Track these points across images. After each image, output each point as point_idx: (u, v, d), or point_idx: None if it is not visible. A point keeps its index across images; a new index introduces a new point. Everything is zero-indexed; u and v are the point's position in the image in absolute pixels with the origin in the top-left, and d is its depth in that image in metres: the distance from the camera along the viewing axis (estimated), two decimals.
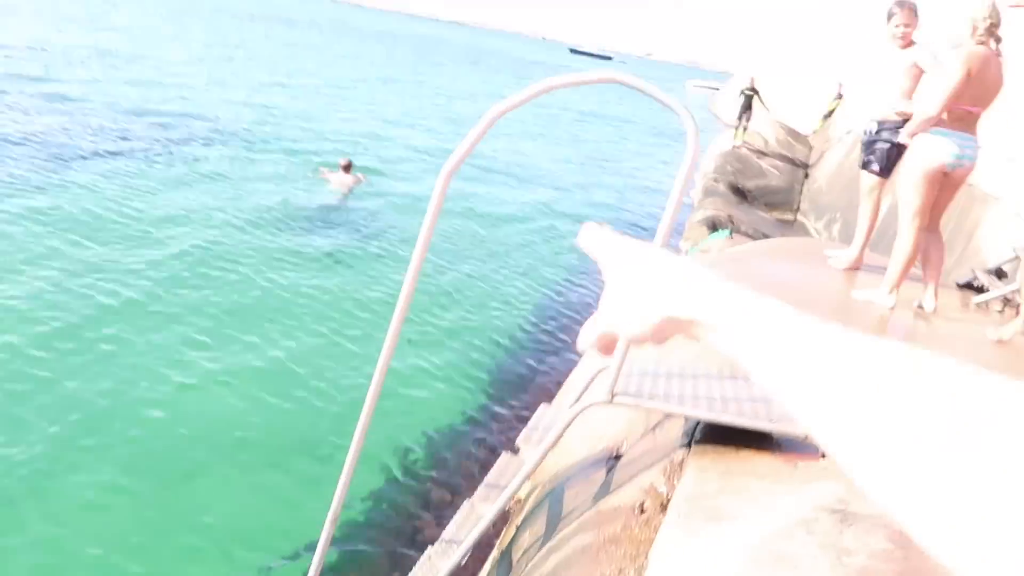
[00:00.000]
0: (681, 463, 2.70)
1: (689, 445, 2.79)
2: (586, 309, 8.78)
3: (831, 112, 20.37)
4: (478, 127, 2.17)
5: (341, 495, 2.70)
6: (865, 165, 5.48)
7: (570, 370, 5.89)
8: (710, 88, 78.67)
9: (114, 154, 11.82)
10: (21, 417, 4.90)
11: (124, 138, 12.96)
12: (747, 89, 18.64)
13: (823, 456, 2.50)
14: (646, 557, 2.26)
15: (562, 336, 7.84)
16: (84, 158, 11.20)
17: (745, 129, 18.31)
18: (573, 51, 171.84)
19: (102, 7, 45.39)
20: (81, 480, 4.44)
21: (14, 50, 20.74)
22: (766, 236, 11.48)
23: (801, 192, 16.94)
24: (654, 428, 3.36)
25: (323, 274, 8.30)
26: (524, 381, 6.70)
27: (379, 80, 32.19)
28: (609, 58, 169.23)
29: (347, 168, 12.18)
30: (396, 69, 40.23)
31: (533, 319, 8.21)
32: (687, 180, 2.25)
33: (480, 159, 16.30)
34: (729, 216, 12.85)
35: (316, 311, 7.29)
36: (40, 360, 5.53)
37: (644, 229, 13.52)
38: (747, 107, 18.36)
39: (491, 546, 3.58)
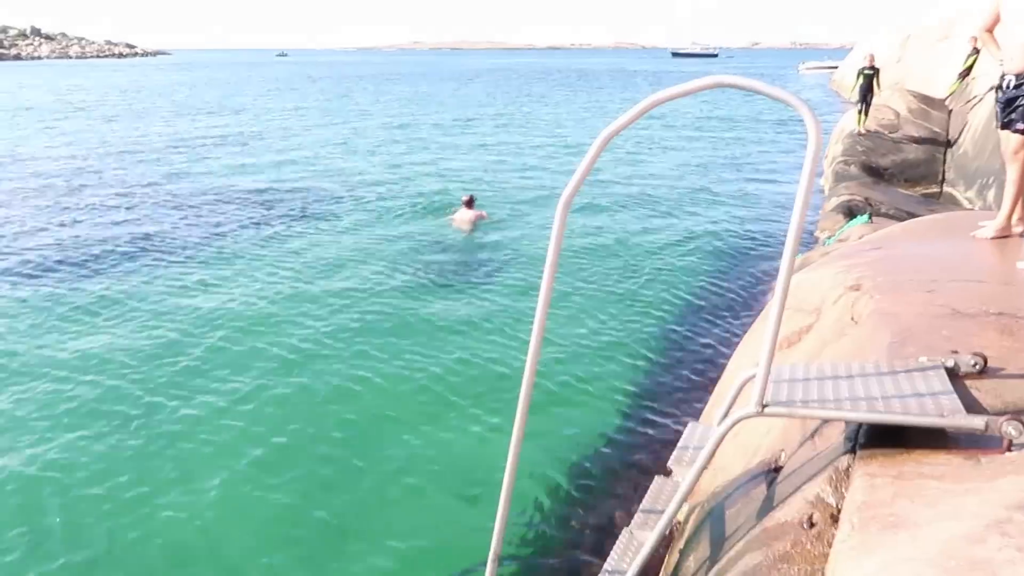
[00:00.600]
0: (847, 470, 2.55)
1: (854, 450, 2.64)
2: (724, 321, 8.53)
3: (968, 69, 18.90)
4: (589, 154, 2.19)
5: (500, 532, 2.75)
6: (1007, 125, 5.01)
7: (715, 383, 5.73)
8: (826, 68, 75.24)
9: (259, 225, 12.91)
10: (226, 437, 5.75)
11: (267, 209, 14.17)
12: (866, 69, 17.14)
13: (1009, 448, 2.29)
14: (823, 574, 2.15)
15: (703, 350, 7.64)
16: (235, 234, 12.30)
17: (867, 114, 17.04)
18: (675, 54, 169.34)
19: (225, 93, 49.39)
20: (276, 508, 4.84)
21: (159, 146, 22.93)
22: (911, 215, 10.77)
23: (944, 161, 15.77)
24: (813, 435, 3.21)
25: (460, 310, 8.66)
26: (669, 399, 6.57)
27: (488, 117, 33.01)
28: (714, 55, 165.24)
29: (469, 204, 12.79)
30: (502, 104, 41.13)
31: (671, 335, 8.06)
32: (812, 174, 2.16)
33: (599, 180, 16.37)
34: (866, 199, 12.16)
35: (454, 345, 7.61)
36: (248, 396, 6.51)
37: (777, 224, 13.00)
38: (868, 88, 16.97)
39: (655, 574, 3.52)
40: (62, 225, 12.88)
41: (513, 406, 2.55)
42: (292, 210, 14.13)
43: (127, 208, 14.32)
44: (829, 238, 10.55)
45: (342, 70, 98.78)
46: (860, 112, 16.91)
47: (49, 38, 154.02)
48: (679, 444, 3.19)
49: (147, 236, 12.16)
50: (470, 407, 6.35)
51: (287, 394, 6.57)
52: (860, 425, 2.69)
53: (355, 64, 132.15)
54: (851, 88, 18.47)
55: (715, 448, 2.61)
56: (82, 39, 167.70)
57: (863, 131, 16.65)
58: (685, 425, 3.52)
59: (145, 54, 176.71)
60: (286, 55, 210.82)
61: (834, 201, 12.42)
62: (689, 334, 8.04)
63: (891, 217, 10.96)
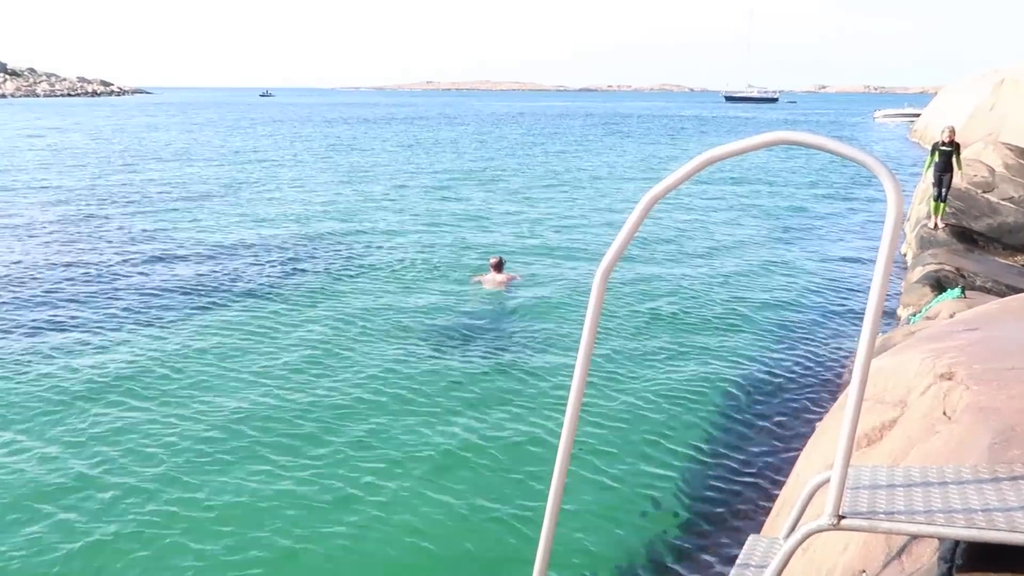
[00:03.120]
0: None
1: (950, 573, 2.59)
2: (790, 413, 8.43)
3: None
4: (631, 218, 2.22)
5: None
6: None
7: (779, 487, 5.64)
8: (905, 116, 76.03)
9: (274, 282, 13.49)
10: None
11: (282, 265, 14.83)
12: (943, 144, 15.29)
13: None
14: None
15: (765, 447, 7.54)
16: (247, 292, 12.86)
17: (945, 200, 15.24)
18: (729, 98, 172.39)
19: (219, 135, 50.80)
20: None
21: (157, 193, 23.74)
22: (1012, 289, 10.71)
23: None
24: (900, 553, 3.14)
25: (486, 383, 8.98)
26: (726, 505, 6.48)
27: (516, 168, 33.65)
28: (774, 99, 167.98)
29: (498, 267, 13.27)
30: (531, 152, 41.89)
31: (728, 428, 7.99)
32: (893, 244, 2.18)
33: (643, 240, 16.53)
34: (957, 269, 12.11)
35: (480, 421, 7.91)
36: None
37: (852, 297, 12.95)
38: (945, 169, 15.08)
39: None
40: (53, 280, 13.29)
41: (543, 496, 2.54)
42: (309, 267, 14.66)
43: (130, 259, 14.92)
44: (914, 315, 10.48)
45: (344, 112, 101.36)
46: (935, 199, 15.27)
47: (15, 74, 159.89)
48: (739, 561, 3.13)
49: (158, 291, 12.69)
50: (499, 486, 6.62)
51: (315, 455, 7.13)
52: (957, 543, 2.64)
53: (357, 106, 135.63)
54: (924, 168, 16.76)
55: (782, 567, 2.57)
56: (52, 75, 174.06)
57: (941, 225, 15.25)
58: (744, 536, 3.47)
59: (122, 92, 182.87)
60: (271, 95, 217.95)
61: (919, 271, 12.38)
62: (749, 428, 7.96)
63: (987, 291, 10.89)
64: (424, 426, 7.79)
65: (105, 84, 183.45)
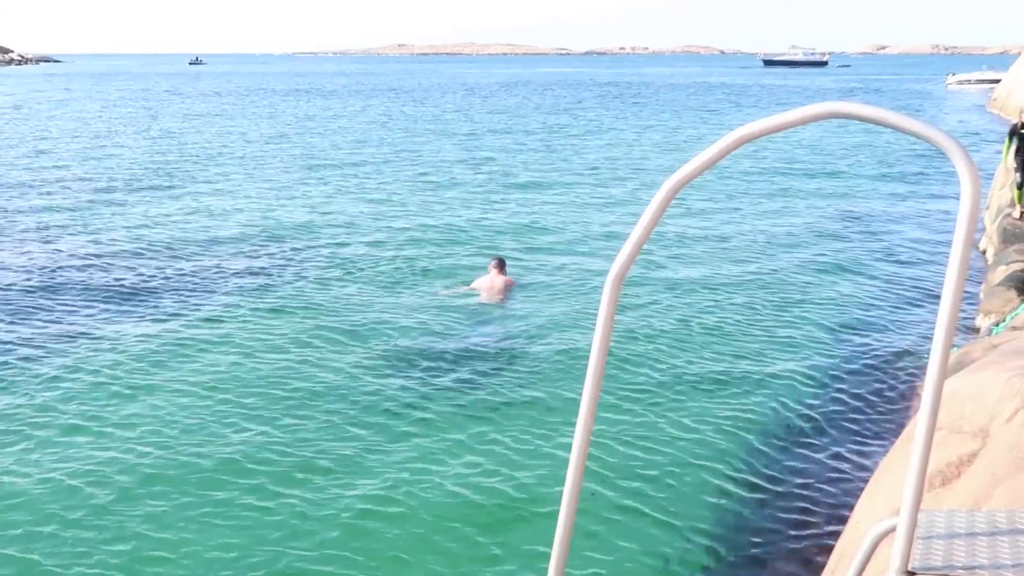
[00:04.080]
0: None
1: None
2: (846, 447, 8.44)
3: None
4: (648, 212, 2.22)
5: None
6: None
7: (835, 537, 5.65)
8: (983, 82, 76.35)
9: (229, 292, 13.67)
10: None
11: (248, 263, 15.33)
12: (1023, 127, 15.65)
13: None
14: None
15: (817, 488, 7.54)
16: (206, 292, 13.35)
17: None
18: (768, 62, 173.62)
19: (152, 111, 50.90)
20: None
21: (94, 182, 23.57)
22: None
23: None
24: None
25: (480, 397, 9.25)
26: (768, 558, 6.49)
27: (512, 150, 33.87)
28: (822, 62, 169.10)
29: (500, 267, 13.52)
30: (529, 130, 42.00)
31: (771, 464, 8.00)
32: (969, 239, 2.18)
33: (663, 239, 16.58)
34: None
35: (479, 450, 8.10)
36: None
37: (920, 305, 12.99)
38: None
39: None
40: None
41: (550, 541, 2.54)
42: (266, 272, 14.77)
43: (48, 262, 15.09)
44: (996, 325, 10.51)
45: (297, 82, 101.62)
46: (1019, 186, 15.47)
47: None
48: None
49: (85, 300, 12.86)
50: (499, 526, 6.82)
51: (287, 489, 7.36)
52: None
53: (314, 75, 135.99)
54: (1003, 153, 17.05)
55: None
56: None
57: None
58: None
59: (24, 61, 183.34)
60: (202, 62, 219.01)
61: (1002, 271, 12.42)
62: (798, 465, 7.97)
63: None
64: (417, 458, 7.95)
65: (3, 51, 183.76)
